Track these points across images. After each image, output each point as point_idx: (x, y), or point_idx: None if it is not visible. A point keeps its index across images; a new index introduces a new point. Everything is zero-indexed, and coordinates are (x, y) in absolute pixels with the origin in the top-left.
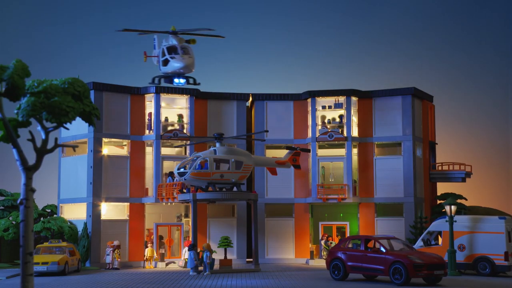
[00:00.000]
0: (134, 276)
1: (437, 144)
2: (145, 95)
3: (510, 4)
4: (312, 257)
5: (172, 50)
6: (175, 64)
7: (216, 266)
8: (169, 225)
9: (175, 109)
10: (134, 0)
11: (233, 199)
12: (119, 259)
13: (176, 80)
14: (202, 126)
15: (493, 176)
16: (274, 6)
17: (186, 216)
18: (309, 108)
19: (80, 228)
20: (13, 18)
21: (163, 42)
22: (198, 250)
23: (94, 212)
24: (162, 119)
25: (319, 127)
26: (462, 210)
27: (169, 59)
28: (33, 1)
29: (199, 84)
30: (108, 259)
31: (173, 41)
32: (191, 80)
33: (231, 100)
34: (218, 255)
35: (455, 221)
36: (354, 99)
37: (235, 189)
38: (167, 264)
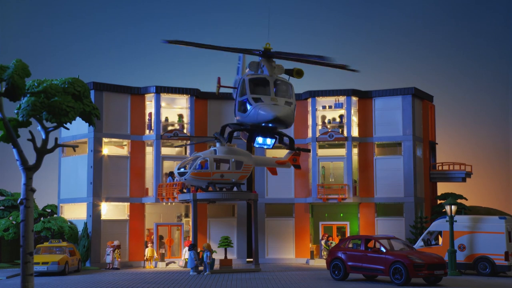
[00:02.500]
0: (134, 276)
1: (437, 144)
2: (145, 95)
3: (510, 4)
4: (312, 257)
5: (258, 85)
6: (260, 112)
7: (216, 266)
8: (169, 225)
9: (175, 109)
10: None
11: (233, 199)
12: (119, 259)
13: (259, 140)
14: (202, 126)
15: (493, 176)
16: (274, 6)
17: (186, 216)
18: (309, 108)
19: (80, 228)
20: (13, 18)
21: (246, 68)
22: (198, 250)
23: (94, 212)
24: (162, 119)
25: (319, 127)
26: (462, 210)
27: (251, 102)
28: (33, 1)
29: (309, 151)
30: (108, 259)
31: (264, 70)
32: (286, 140)
33: (231, 100)
34: (218, 255)
35: (455, 221)
36: (354, 99)
37: (235, 189)
38: (167, 264)
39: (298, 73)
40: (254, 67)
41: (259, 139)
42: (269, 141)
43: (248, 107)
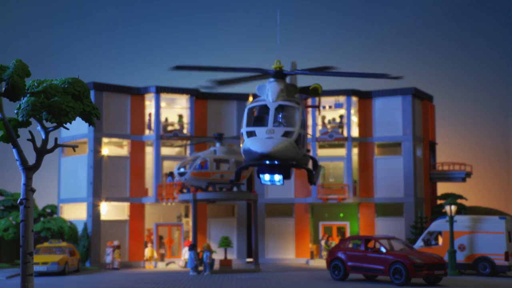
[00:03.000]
0: (134, 276)
1: (437, 144)
2: (145, 95)
3: (510, 4)
4: (312, 257)
5: (257, 115)
6: (250, 148)
7: (216, 266)
8: (169, 225)
9: (175, 109)
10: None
11: (233, 199)
12: (119, 259)
13: (265, 178)
14: (202, 126)
15: (493, 176)
16: (273, 6)
17: (186, 216)
18: (310, 108)
19: (80, 228)
20: (13, 18)
21: (261, 91)
22: (198, 250)
23: (94, 212)
24: (162, 119)
25: (319, 127)
26: (462, 210)
27: (244, 136)
28: (33, 1)
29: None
30: (108, 259)
31: (271, 93)
32: (311, 177)
33: (231, 100)
34: (218, 255)
35: (455, 221)
36: (354, 99)
37: (235, 189)
38: (167, 264)
39: (315, 91)
40: (262, 90)
41: (266, 176)
42: (277, 177)
43: (243, 142)
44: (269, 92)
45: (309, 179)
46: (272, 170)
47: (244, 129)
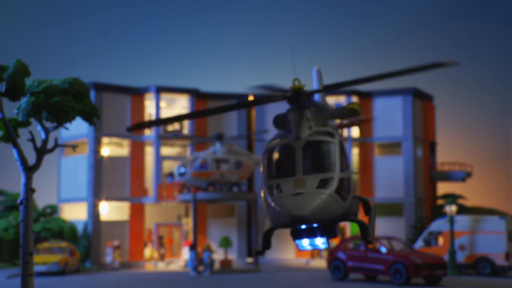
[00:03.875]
0: (134, 276)
1: (437, 144)
2: (145, 95)
3: (510, 4)
4: (312, 257)
5: (279, 160)
6: (277, 210)
7: (216, 266)
8: (169, 225)
9: (175, 109)
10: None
11: (233, 199)
12: (119, 259)
13: (304, 243)
14: (202, 126)
15: (494, 176)
16: (274, 6)
17: (186, 216)
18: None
19: (80, 228)
20: (13, 18)
21: (280, 122)
22: (198, 250)
23: (94, 212)
24: None
25: None
26: (462, 210)
27: (266, 194)
28: (33, 1)
29: None
30: (109, 259)
31: (294, 126)
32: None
33: (231, 100)
34: (218, 255)
35: (455, 221)
36: (354, 99)
37: (235, 189)
38: (167, 264)
39: (353, 113)
40: (280, 122)
41: (304, 242)
42: (319, 241)
43: (265, 201)
44: (291, 125)
45: (362, 236)
46: (311, 234)
47: (264, 182)
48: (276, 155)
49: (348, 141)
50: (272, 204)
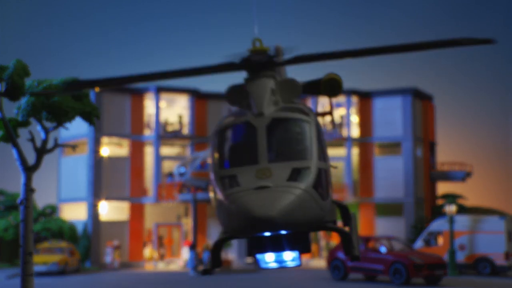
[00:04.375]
0: (134, 276)
1: (437, 144)
2: (145, 95)
3: (510, 4)
4: (312, 257)
5: (234, 144)
6: (233, 211)
7: None
8: (169, 225)
9: (175, 109)
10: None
11: None
12: (119, 259)
13: (267, 259)
14: (202, 126)
15: (493, 176)
16: (274, 5)
17: (186, 216)
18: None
19: (80, 228)
20: (13, 18)
21: (237, 97)
22: (198, 250)
23: (94, 212)
24: (162, 119)
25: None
26: (462, 210)
27: (216, 189)
28: (33, 1)
29: None
30: (108, 259)
31: (255, 100)
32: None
33: None
34: None
35: (455, 221)
36: (354, 99)
37: None
38: (167, 264)
39: (333, 87)
40: (236, 96)
41: (268, 257)
42: (288, 256)
43: (214, 197)
44: (251, 100)
45: (345, 250)
46: (278, 245)
47: (214, 174)
48: (230, 137)
49: (348, 141)
50: (225, 202)
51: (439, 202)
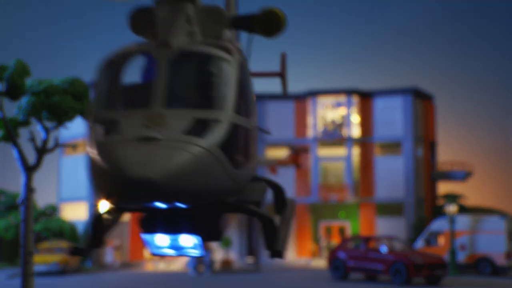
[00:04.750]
0: (134, 276)
1: (438, 143)
2: None
3: (510, 4)
4: (313, 257)
5: (122, 81)
6: (100, 161)
7: (217, 266)
8: None
9: None
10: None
11: None
12: (119, 259)
13: (158, 241)
14: None
15: (494, 175)
16: (275, 5)
17: None
18: (310, 108)
19: (80, 228)
20: (13, 18)
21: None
22: None
23: (94, 212)
24: None
25: (320, 127)
26: (463, 209)
27: (88, 136)
28: (33, 1)
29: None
30: (109, 259)
31: (162, 27)
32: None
33: None
34: (218, 255)
35: (456, 221)
36: (355, 98)
37: None
38: (167, 264)
39: (269, 24)
40: (142, 23)
41: (159, 239)
42: (187, 240)
43: (87, 149)
44: (158, 26)
45: (266, 243)
46: (173, 226)
47: (90, 116)
48: (119, 71)
49: (348, 141)
50: (97, 156)
51: (440, 202)
